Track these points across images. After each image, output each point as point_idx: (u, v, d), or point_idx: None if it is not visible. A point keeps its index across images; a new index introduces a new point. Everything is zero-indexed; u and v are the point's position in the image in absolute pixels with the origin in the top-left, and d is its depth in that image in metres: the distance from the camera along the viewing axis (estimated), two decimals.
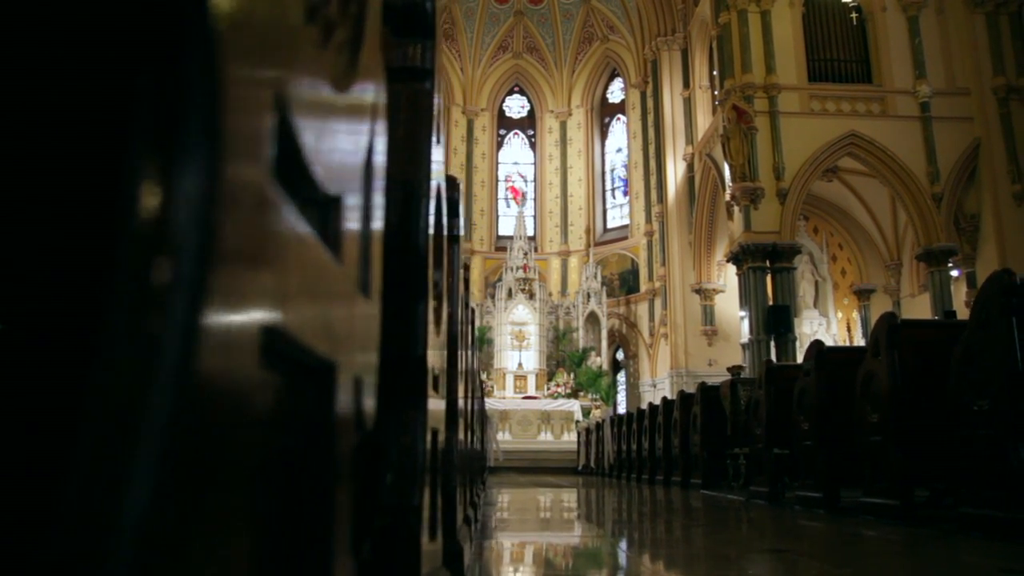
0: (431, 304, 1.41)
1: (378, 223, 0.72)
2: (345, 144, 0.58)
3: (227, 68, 0.33)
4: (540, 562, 3.07)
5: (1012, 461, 3.47)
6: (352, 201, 0.60)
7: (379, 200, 0.74)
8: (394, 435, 1.27)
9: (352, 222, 0.61)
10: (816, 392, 5.49)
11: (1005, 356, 3.56)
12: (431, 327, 1.42)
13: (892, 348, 4.50)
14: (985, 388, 3.70)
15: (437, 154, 1.49)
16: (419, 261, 1.31)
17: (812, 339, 13.58)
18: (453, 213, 2.27)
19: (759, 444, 6.60)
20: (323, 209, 0.52)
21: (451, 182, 2.32)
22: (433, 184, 1.44)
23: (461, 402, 2.61)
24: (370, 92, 0.66)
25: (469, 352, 3.65)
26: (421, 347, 1.31)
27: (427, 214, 1.35)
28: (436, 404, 1.54)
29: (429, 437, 1.36)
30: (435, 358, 1.49)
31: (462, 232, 2.58)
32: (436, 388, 1.54)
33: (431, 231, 1.39)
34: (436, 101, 1.43)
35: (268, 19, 0.38)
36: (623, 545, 3.51)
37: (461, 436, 2.76)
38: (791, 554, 3.04)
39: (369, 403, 0.67)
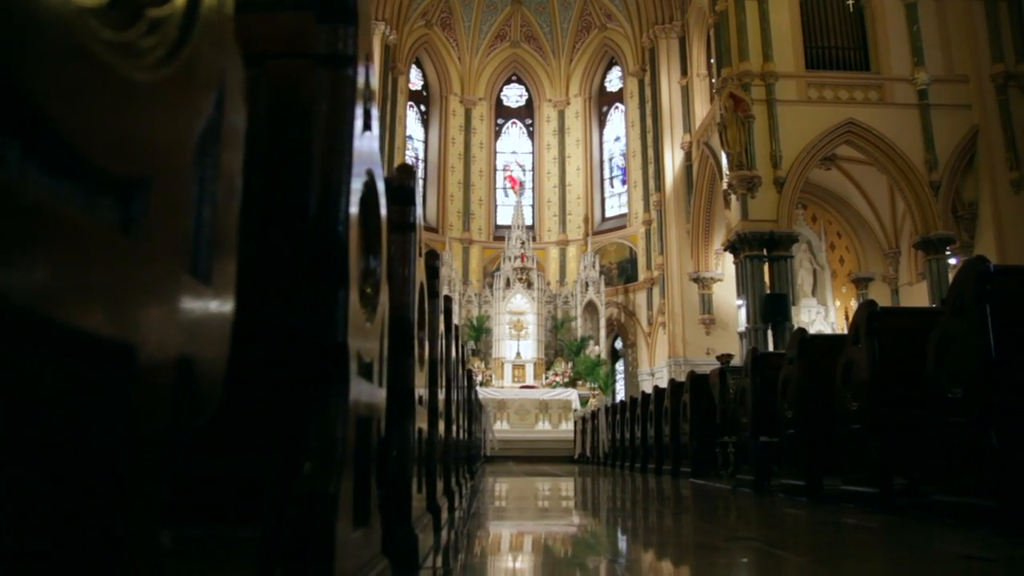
0: (356, 291, 1.40)
1: (232, 205, 0.72)
2: (157, 126, 0.57)
3: None
4: (508, 548, 3.07)
5: (985, 449, 3.46)
6: (171, 184, 0.59)
7: (235, 184, 0.73)
8: (313, 423, 1.26)
9: (173, 205, 0.60)
10: (799, 380, 5.49)
11: (979, 344, 3.54)
12: (358, 314, 1.41)
13: (872, 336, 4.49)
14: (960, 376, 3.69)
15: (367, 141, 1.48)
16: (336, 247, 1.30)
17: (810, 328, 13.55)
18: (406, 200, 2.25)
19: (746, 432, 6.61)
20: (114, 190, 0.52)
21: (405, 170, 2.31)
22: (361, 170, 1.43)
23: (422, 390, 2.61)
24: (204, 74, 0.65)
25: (442, 341, 3.65)
26: (341, 334, 1.30)
27: (347, 200, 1.34)
28: (369, 391, 1.53)
29: (353, 425, 1.35)
30: (366, 345, 1.48)
31: (421, 220, 2.56)
32: (368, 375, 1.53)
33: (355, 218, 1.38)
34: (362, 87, 1.42)
35: None
36: (597, 531, 3.52)
37: (424, 425, 2.76)
38: (758, 542, 3.04)
39: (211, 388, 0.66)
